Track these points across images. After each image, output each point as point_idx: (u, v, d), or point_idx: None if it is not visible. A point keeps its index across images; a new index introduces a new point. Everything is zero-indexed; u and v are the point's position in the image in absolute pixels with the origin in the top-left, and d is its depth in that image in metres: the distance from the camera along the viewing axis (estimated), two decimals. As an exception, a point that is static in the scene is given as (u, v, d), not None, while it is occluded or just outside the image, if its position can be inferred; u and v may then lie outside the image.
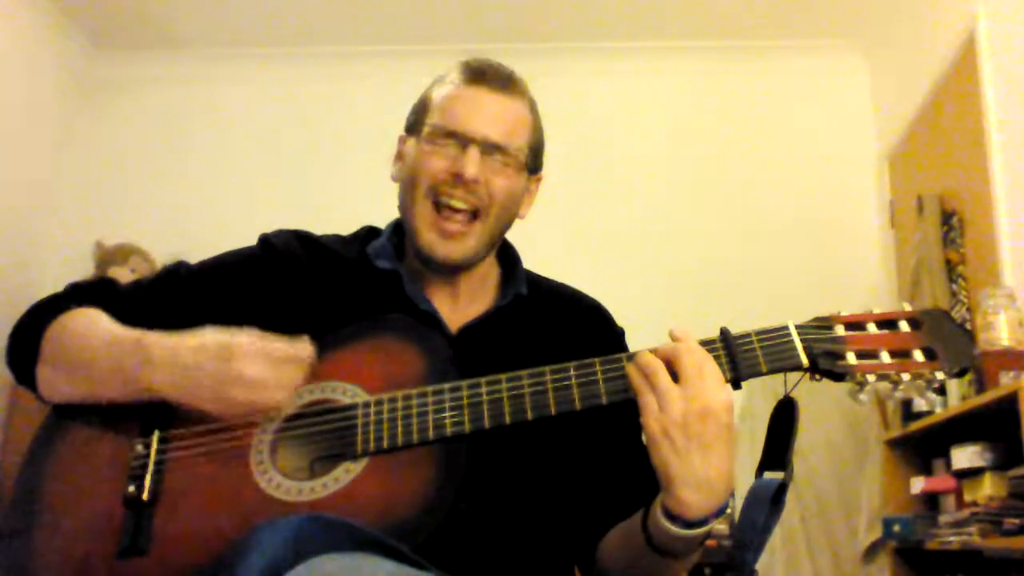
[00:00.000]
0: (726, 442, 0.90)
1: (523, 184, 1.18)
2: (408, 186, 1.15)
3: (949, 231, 2.92)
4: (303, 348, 0.98)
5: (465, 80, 1.16)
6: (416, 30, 3.87)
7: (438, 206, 1.12)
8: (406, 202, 1.16)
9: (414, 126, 1.19)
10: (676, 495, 0.90)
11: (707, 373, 0.90)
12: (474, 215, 1.13)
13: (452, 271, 1.16)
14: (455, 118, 1.13)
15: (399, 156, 1.20)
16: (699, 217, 3.73)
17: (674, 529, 0.93)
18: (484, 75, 1.16)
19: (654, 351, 0.93)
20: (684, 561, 1.01)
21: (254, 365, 0.94)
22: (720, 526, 3.10)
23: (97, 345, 1.03)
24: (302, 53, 4.04)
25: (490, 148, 1.12)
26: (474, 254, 1.14)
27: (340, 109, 3.93)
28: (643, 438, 0.94)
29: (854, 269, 3.58)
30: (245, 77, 4.08)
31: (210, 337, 0.98)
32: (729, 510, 3.01)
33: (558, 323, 1.20)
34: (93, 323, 1.07)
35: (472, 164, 1.10)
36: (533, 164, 1.20)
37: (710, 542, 0.97)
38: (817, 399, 3.09)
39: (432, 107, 1.17)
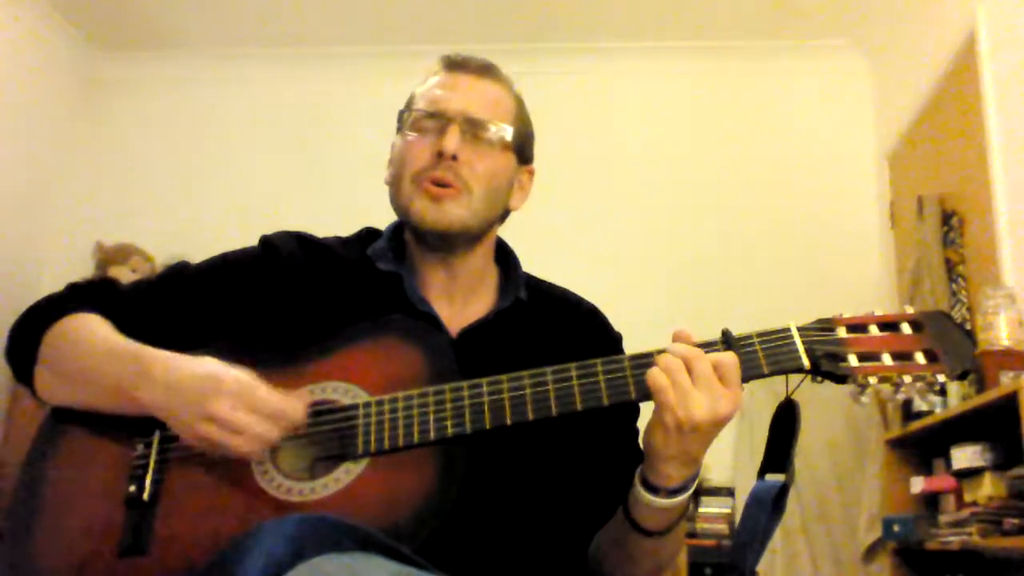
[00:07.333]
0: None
1: (509, 166, 1.17)
2: (396, 178, 1.15)
3: (949, 231, 2.92)
4: (294, 408, 0.95)
5: (446, 68, 1.18)
6: (416, 30, 3.87)
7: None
8: (395, 192, 1.15)
9: (401, 124, 1.19)
10: (661, 470, 0.95)
11: (729, 380, 0.91)
12: (458, 191, 1.11)
13: (448, 246, 1.14)
14: (436, 101, 1.15)
15: (391, 161, 1.21)
16: (699, 217, 3.73)
17: (657, 500, 0.96)
18: (464, 63, 1.18)
19: (672, 351, 0.94)
20: (670, 540, 1.02)
21: (233, 409, 0.92)
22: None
23: (96, 356, 1.03)
24: (301, 54, 4.04)
25: (471, 124, 1.13)
26: (463, 222, 1.11)
27: (339, 109, 3.93)
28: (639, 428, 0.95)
29: (854, 269, 3.58)
30: (245, 77, 4.08)
31: (206, 367, 0.96)
32: (730, 511, 3.03)
33: (556, 328, 1.19)
34: (93, 332, 1.07)
35: (452, 139, 1.10)
36: (521, 151, 1.19)
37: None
38: (817, 399, 3.09)
39: (415, 99, 1.18)
